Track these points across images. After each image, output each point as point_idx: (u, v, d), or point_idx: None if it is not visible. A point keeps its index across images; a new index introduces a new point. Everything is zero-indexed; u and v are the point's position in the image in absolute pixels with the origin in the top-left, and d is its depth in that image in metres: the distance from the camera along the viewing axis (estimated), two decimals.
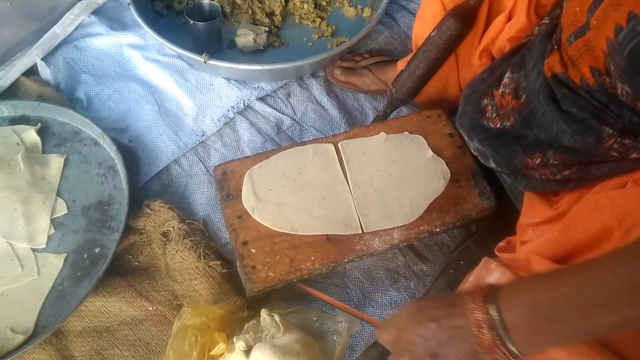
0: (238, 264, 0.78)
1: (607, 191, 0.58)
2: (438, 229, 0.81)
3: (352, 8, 1.24)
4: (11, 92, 1.04)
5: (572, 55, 0.61)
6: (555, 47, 0.67)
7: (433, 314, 0.53)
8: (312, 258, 0.77)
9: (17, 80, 1.05)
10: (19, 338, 0.76)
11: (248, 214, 0.81)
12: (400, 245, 0.80)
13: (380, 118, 0.98)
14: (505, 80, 0.73)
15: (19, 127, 0.98)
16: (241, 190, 0.83)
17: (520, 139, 0.67)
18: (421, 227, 0.81)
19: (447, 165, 0.87)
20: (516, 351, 0.47)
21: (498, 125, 0.69)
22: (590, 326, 0.46)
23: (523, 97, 0.65)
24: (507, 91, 0.71)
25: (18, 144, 0.95)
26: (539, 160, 0.65)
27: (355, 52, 1.16)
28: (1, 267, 0.82)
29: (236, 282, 0.83)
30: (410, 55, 0.97)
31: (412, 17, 1.25)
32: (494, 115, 0.70)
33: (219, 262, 0.83)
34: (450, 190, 0.84)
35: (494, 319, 0.48)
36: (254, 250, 0.78)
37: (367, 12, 1.23)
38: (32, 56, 1.08)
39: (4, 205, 0.86)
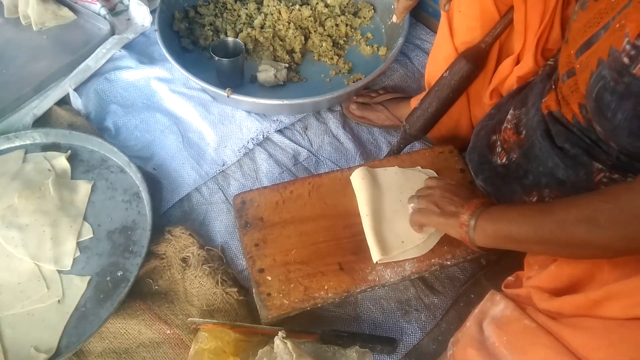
0: (254, 290, 0.80)
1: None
2: (449, 262, 0.83)
3: (368, 47, 1.30)
4: (44, 121, 1.11)
5: (565, 93, 0.65)
6: (553, 86, 0.71)
7: (458, 192, 0.75)
8: (326, 287, 0.80)
9: (50, 109, 1.12)
10: (42, 357, 0.79)
11: (265, 242, 0.84)
12: (412, 277, 0.82)
13: (394, 152, 1.02)
14: (508, 116, 0.76)
15: (50, 154, 1.03)
16: (259, 219, 0.87)
17: (521, 179, 0.71)
18: (432, 260, 0.83)
19: None
20: (472, 235, 0.69)
21: (504, 160, 0.72)
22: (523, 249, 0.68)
23: (523, 132, 0.69)
24: (509, 127, 0.75)
25: (49, 169, 1.00)
26: (535, 198, 0.68)
27: (371, 88, 1.21)
28: (28, 287, 0.86)
29: (251, 308, 0.86)
30: (424, 94, 1.01)
31: (426, 56, 1.30)
32: (500, 150, 0.73)
33: (235, 289, 0.86)
34: None
35: (474, 213, 0.69)
36: (269, 278, 0.80)
37: (382, 50, 1.28)
38: (65, 87, 1.14)
39: (33, 228, 0.91)
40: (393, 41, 1.25)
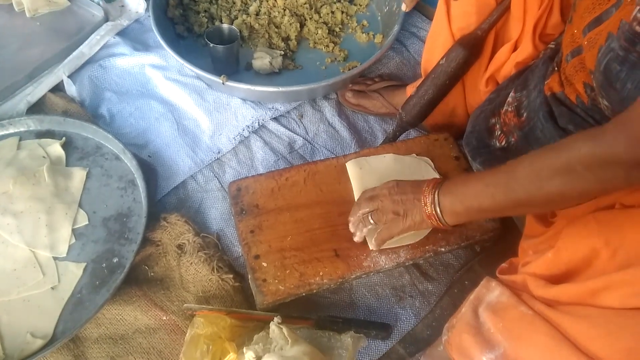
0: (250, 276, 0.81)
1: (595, 212, 0.61)
2: (443, 249, 0.84)
3: (364, 34, 1.29)
4: (38, 108, 1.10)
5: (569, 73, 0.65)
6: (556, 68, 0.71)
7: (404, 190, 0.74)
8: (321, 273, 0.80)
9: (44, 96, 1.11)
10: (39, 342, 0.79)
11: (260, 229, 0.85)
12: (406, 264, 0.83)
13: (390, 140, 1.02)
14: (509, 99, 0.76)
15: (44, 141, 1.03)
16: (254, 206, 0.87)
17: None
18: (427, 247, 0.83)
19: None
20: (444, 221, 0.70)
21: (503, 143, 0.73)
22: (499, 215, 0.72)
23: (524, 114, 0.69)
24: (510, 109, 0.75)
25: (44, 156, 1.00)
26: None
27: (366, 76, 1.21)
28: (23, 274, 0.86)
29: (247, 294, 0.86)
30: (419, 81, 1.01)
31: (422, 44, 1.30)
32: (500, 133, 0.73)
33: (231, 276, 0.86)
34: None
35: (435, 200, 0.69)
36: (265, 264, 0.81)
37: (378, 38, 1.28)
38: (59, 74, 1.14)
39: (28, 215, 0.90)
40: (389, 29, 1.24)
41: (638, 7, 0.51)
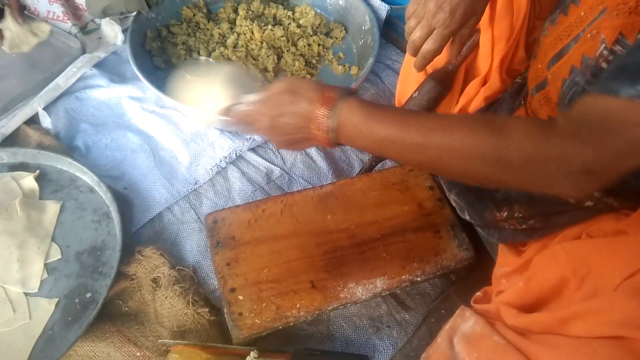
0: (225, 310, 0.80)
1: (563, 243, 0.63)
2: (419, 278, 0.85)
3: (340, 66, 1.32)
4: (12, 140, 1.09)
5: (534, 107, 0.68)
6: (522, 102, 0.74)
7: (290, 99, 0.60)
8: (298, 305, 0.80)
9: (18, 129, 1.10)
10: None
11: (236, 261, 0.85)
12: (383, 294, 0.84)
13: (366, 170, 1.04)
14: None
15: (17, 174, 1.02)
16: (231, 238, 0.87)
17: (493, 194, 0.73)
18: (403, 276, 0.84)
19: (428, 217, 0.91)
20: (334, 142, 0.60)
21: None
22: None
23: None
24: None
25: (16, 190, 0.98)
26: (505, 213, 0.71)
27: None
28: None
29: (223, 328, 0.85)
30: None
31: (396, 76, 1.33)
32: None
33: (207, 309, 0.85)
34: (430, 241, 0.88)
35: (331, 125, 0.58)
36: (241, 298, 0.80)
37: (354, 70, 1.31)
38: (34, 106, 1.13)
39: (1, 250, 0.89)
40: (364, 61, 1.28)
41: (604, 45, 0.54)
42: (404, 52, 1.38)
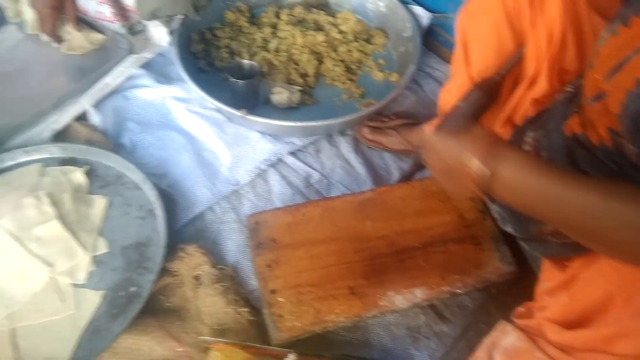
0: (265, 311, 0.82)
1: (610, 258, 0.61)
2: (459, 290, 0.84)
3: (380, 72, 1.32)
4: (63, 136, 1.13)
5: (591, 117, 0.67)
6: (576, 110, 0.72)
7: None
8: (337, 311, 0.81)
9: (68, 125, 1.14)
10: None
11: (277, 263, 0.86)
12: (422, 304, 0.84)
13: (406, 178, 1.04)
14: (528, 139, 0.78)
15: (67, 168, 1.05)
16: (272, 240, 0.88)
17: None
18: (443, 288, 0.84)
19: (469, 229, 0.91)
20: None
21: None
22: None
23: (545, 155, 0.70)
24: (528, 149, 0.76)
25: (66, 184, 1.02)
26: (550, 227, 0.69)
27: (382, 113, 1.23)
28: (42, 300, 0.87)
29: (262, 329, 0.86)
30: (436, 121, 1.03)
31: (436, 84, 1.33)
32: None
33: (247, 309, 0.87)
34: (471, 253, 0.88)
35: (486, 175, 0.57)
36: (281, 300, 0.82)
37: (394, 76, 1.31)
38: (83, 103, 1.17)
39: (49, 240, 0.92)
40: (404, 68, 1.28)
41: None
42: (446, 60, 1.37)
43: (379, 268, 0.86)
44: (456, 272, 0.85)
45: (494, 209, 0.83)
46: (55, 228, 0.93)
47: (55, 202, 0.97)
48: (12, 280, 0.88)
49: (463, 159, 0.59)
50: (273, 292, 0.82)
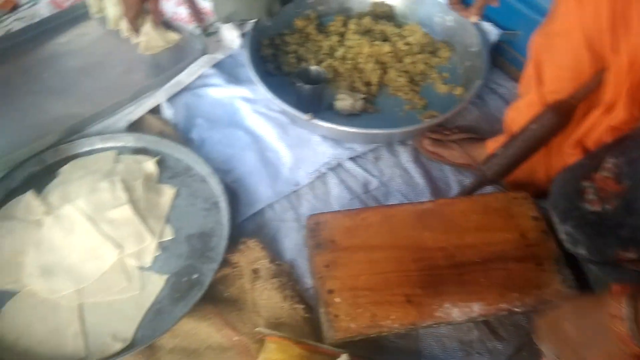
0: (322, 310, 0.83)
1: None
2: (518, 309, 0.83)
3: (444, 85, 1.32)
4: (137, 126, 1.19)
5: None
6: None
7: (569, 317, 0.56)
8: (392, 317, 0.81)
9: (143, 117, 1.21)
10: (118, 345, 0.84)
11: (335, 264, 0.87)
12: (479, 319, 0.83)
13: (466, 193, 1.03)
14: (607, 164, 0.75)
15: (140, 157, 1.11)
16: (331, 241, 0.90)
17: (616, 230, 0.70)
18: (501, 305, 0.83)
19: (531, 248, 0.89)
20: None
21: (598, 208, 0.71)
22: None
23: (626, 183, 0.68)
24: (609, 175, 0.74)
25: (138, 172, 1.07)
26: (632, 254, 0.68)
27: (444, 125, 1.23)
28: (110, 279, 0.92)
29: (315, 327, 0.88)
30: (501, 138, 1.03)
31: (500, 100, 1.32)
32: (594, 197, 0.72)
33: (303, 306, 0.88)
34: (532, 273, 0.86)
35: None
36: (338, 300, 0.83)
37: (458, 90, 1.31)
38: (158, 98, 1.23)
39: (120, 224, 0.97)
40: (470, 82, 1.27)
41: None
42: (511, 77, 1.36)
43: (436, 279, 0.86)
44: (515, 291, 0.84)
45: (564, 229, 0.81)
46: (126, 212, 0.98)
47: (127, 188, 1.02)
48: (83, 258, 0.94)
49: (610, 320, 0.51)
50: (330, 292, 0.84)
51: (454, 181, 1.15)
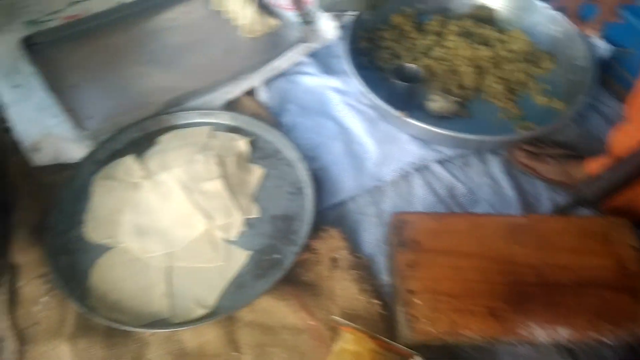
0: (400, 309, 0.83)
1: None
2: (608, 341, 0.79)
3: (543, 97, 1.27)
4: (232, 106, 1.24)
5: None
6: None
7: None
8: (473, 327, 0.80)
9: (239, 97, 1.25)
10: (201, 311, 0.88)
11: (418, 265, 0.87)
12: (565, 344, 0.79)
13: (560, 211, 0.99)
14: None
15: (234, 135, 1.16)
16: (415, 241, 0.89)
17: None
18: (590, 333, 0.79)
19: (629, 278, 0.84)
20: None
21: None
22: None
23: None
24: None
25: (232, 149, 1.12)
26: None
27: (540, 139, 1.18)
28: (198, 247, 0.96)
29: (389, 325, 0.88)
30: (604, 159, 0.97)
31: (602, 119, 1.25)
32: None
33: (379, 302, 0.89)
34: (628, 305, 0.81)
35: None
36: (418, 301, 0.82)
37: (558, 104, 1.25)
38: (255, 80, 1.27)
39: (212, 197, 1.01)
40: (572, 97, 1.21)
41: None
42: (617, 97, 1.29)
43: (523, 296, 0.83)
44: (607, 321, 0.80)
45: None
46: (218, 186, 1.03)
47: (221, 163, 1.07)
48: (175, 224, 0.99)
49: None
50: (411, 292, 0.83)
51: (546, 198, 1.10)
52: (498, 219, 0.93)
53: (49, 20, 1.45)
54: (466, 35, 1.36)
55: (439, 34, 1.38)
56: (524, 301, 0.82)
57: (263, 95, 1.25)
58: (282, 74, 1.30)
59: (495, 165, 1.14)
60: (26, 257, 0.94)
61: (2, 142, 1.18)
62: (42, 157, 1.11)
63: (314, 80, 1.29)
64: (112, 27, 1.44)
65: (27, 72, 1.29)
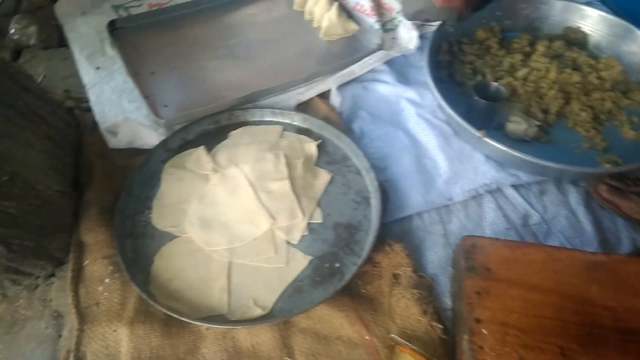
0: (465, 338, 0.79)
1: None
2: None
3: (632, 131, 1.18)
4: (304, 107, 1.23)
5: None
6: None
7: None
8: None
9: (311, 99, 1.24)
10: (258, 311, 0.87)
11: (487, 293, 0.82)
12: None
13: None
14: None
15: (303, 137, 1.15)
16: (486, 268, 0.85)
17: None
18: None
19: None
20: None
21: None
22: None
23: None
24: None
25: (300, 150, 1.11)
26: None
27: (626, 174, 1.10)
28: (259, 246, 0.96)
29: (449, 350, 0.84)
30: None
31: None
32: None
33: (441, 326, 0.85)
34: None
35: None
36: (485, 332, 0.78)
37: None
38: (329, 83, 1.26)
39: (278, 196, 1.01)
40: None
41: None
42: None
43: (597, 339, 0.77)
44: None
45: None
46: (285, 187, 1.02)
47: (289, 164, 1.06)
48: (240, 220, 0.99)
49: None
50: (478, 321, 0.79)
51: (627, 237, 1.02)
52: (576, 255, 0.87)
53: (135, 6, 1.51)
54: (555, 57, 1.29)
55: (525, 53, 1.32)
56: (598, 345, 0.76)
57: (335, 100, 1.24)
58: (357, 80, 1.29)
59: (574, 197, 1.07)
60: (94, 237, 0.97)
61: (82, 122, 1.24)
62: (118, 141, 1.15)
63: (388, 89, 1.27)
64: (193, 19, 1.48)
65: (109, 56, 1.35)
